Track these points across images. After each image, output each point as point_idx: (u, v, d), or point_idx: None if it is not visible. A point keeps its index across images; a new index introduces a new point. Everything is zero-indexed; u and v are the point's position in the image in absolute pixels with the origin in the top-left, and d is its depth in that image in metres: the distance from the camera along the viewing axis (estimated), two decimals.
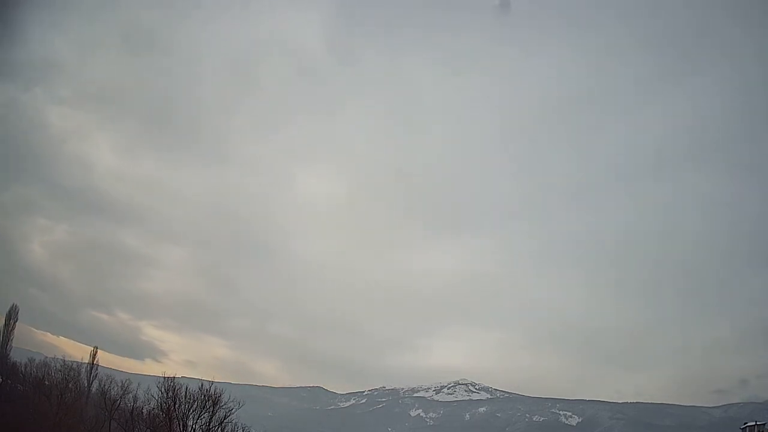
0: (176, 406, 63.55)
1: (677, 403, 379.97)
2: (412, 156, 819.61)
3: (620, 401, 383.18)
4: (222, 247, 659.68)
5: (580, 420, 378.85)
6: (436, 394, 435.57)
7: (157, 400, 64.87)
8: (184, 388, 65.27)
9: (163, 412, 63.80)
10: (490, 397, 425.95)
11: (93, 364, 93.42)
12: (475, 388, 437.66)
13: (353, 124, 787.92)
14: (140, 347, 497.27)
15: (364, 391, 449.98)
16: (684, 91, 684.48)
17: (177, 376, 70.28)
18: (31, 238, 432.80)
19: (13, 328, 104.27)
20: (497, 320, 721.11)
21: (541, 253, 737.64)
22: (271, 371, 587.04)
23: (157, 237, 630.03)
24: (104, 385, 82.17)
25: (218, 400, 64.99)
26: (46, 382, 75.48)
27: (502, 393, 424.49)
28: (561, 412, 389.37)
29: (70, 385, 70.79)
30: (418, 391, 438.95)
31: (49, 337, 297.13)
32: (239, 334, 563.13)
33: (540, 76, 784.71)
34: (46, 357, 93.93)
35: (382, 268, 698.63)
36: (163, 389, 64.01)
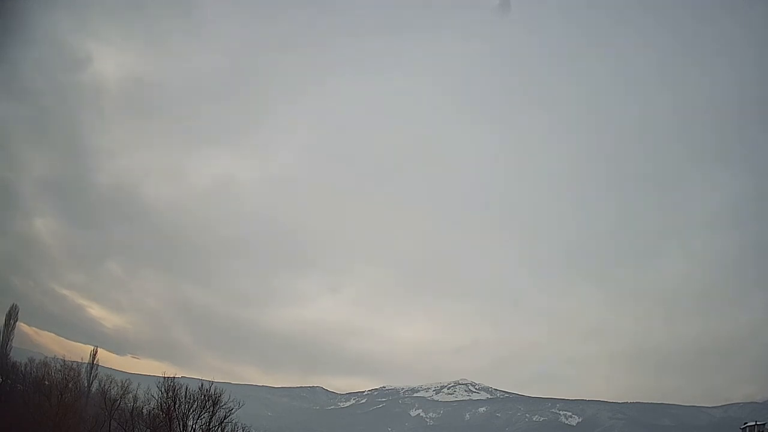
0: (176, 406, 63.61)
1: (677, 403, 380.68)
2: None
3: (620, 401, 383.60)
4: (40, 155, 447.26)
5: (580, 420, 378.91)
6: (436, 394, 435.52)
7: (157, 400, 64.91)
8: (184, 388, 65.41)
9: (163, 412, 63.82)
10: (490, 397, 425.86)
11: (93, 364, 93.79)
12: (475, 388, 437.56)
13: None
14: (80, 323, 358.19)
15: (364, 391, 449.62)
16: None
17: (177, 376, 70.51)
18: None
19: (13, 328, 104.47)
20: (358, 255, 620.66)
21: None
22: (188, 341, 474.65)
23: None
24: (104, 385, 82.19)
25: (218, 400, 65.10)
26: (46, 382, 75.35)
27: (502, 393, 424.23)
28: (561, 412, 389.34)
29: (70, 385, 70.56)
30: (418, 391, 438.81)
31: (50, 337, 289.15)
32: (121, 286, 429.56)
33: None
34: (46, 357, 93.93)
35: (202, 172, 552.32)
36: (163, 389, 64.10)
